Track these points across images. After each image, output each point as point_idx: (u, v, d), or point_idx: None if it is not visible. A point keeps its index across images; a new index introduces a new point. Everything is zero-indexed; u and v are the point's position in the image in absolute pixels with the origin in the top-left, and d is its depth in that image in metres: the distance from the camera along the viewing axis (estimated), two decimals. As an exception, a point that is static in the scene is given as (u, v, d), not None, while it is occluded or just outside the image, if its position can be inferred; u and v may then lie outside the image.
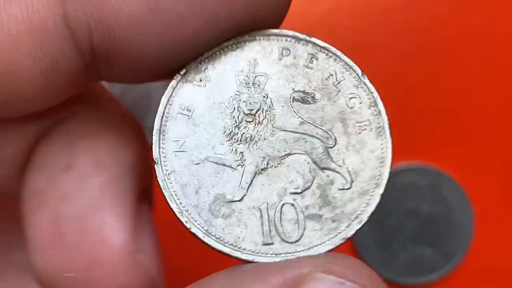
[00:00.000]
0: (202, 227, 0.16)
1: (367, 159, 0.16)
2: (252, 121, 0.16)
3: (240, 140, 0.16)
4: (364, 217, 0.16)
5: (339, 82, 0.16)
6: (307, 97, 0.16)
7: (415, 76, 0.36)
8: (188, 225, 0.16)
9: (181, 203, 0.16)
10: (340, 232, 0.16)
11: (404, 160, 0.35)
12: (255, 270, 0.14)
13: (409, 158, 0.35)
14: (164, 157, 0.16)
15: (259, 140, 0.16)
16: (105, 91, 0.18)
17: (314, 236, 0.15)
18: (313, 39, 0.16)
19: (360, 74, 0.16)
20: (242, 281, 0.14)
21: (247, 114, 0.16)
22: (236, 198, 0.16)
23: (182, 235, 0.18)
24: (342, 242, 0.16)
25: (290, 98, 0.16)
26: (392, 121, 0.16)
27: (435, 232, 0.35)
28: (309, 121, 0.16)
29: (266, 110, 0.16)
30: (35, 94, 0.14)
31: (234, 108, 0.16)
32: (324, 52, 0.16)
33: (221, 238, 0.16)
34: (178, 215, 0.16)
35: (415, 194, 0.35)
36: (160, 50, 0.14)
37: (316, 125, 0.16)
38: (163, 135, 0.16)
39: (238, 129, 0.16)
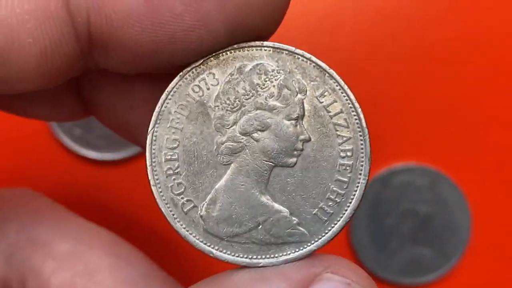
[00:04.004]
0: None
1: None
2: None
3: None
4: None
5: None
6: None
7: (414, 76, 0.36)
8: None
9: None
10: None
11: (402, 160, 0.35)
12: (277, 270, 0.15)
13: (407, 158, 0.35)
14: None
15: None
16: None
17: None
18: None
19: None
20: (266, 279, 0.15)
21: None
22: None
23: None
24: None
25: None
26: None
27: (433, 232, 0.35)
28: None
29: None
30: (30, 73, 0.14)
31: None
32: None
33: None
34: None
35: (413, 194, 0.35)
36: (153, 43, 0.14)
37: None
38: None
39: None
